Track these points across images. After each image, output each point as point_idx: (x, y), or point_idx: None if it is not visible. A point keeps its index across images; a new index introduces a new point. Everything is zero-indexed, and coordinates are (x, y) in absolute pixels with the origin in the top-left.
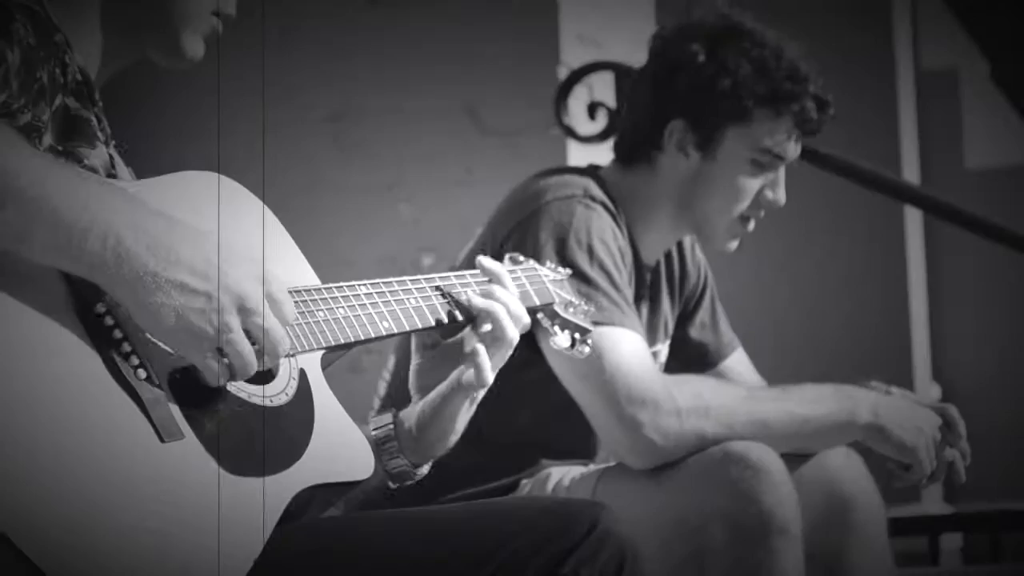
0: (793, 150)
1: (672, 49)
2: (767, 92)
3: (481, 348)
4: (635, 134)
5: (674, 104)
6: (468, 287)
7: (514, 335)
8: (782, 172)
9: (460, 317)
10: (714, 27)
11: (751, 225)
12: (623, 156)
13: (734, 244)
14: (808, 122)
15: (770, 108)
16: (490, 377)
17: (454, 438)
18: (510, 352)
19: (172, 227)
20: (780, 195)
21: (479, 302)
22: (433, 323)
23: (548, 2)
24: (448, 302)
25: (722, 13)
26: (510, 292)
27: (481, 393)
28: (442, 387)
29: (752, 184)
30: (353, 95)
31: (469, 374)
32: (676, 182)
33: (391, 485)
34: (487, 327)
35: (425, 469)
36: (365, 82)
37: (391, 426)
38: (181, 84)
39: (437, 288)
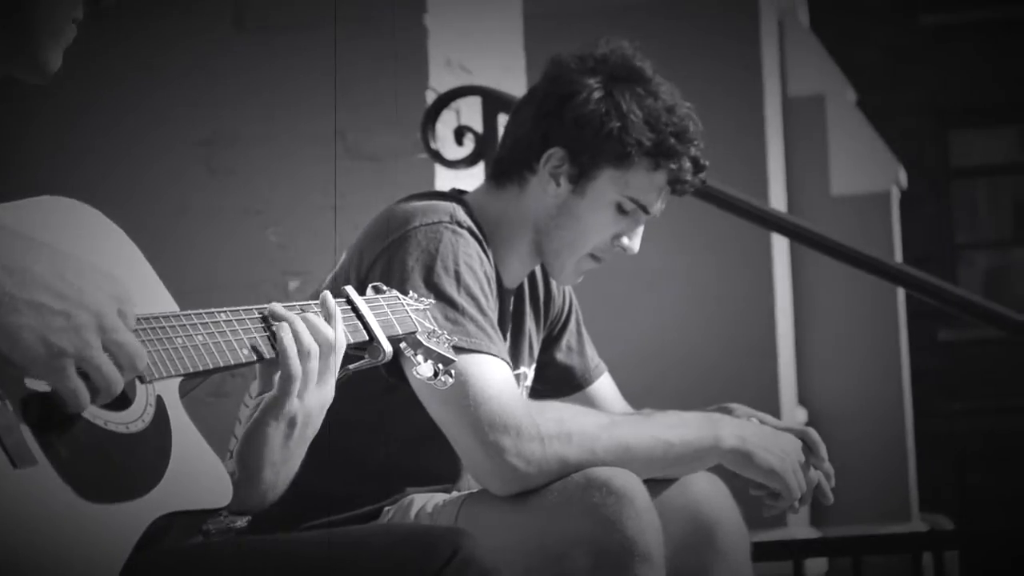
0: (659, 207)
1: (568, 77)
2: (651, 144)
3: (294, 355)
4: (514, 152)
5: (559, 132)
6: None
7: (296, 372)
8: (642, 224)
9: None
10: (615, 65)
11: (596, 265)
12: (498, 174)
13: (576, 280)
14: (681, 183)
15: (650, 160)
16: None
17: (276, 476)
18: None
19: (28, 247)
20: (635, 245)
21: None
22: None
23: (417, 28)
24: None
25: (625, 54)
26: (322, 331)
27: (300, 418)
28: (256, 414)
29: (610, 228)
30: (223, 120)
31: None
32: (540, 208)
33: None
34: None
35: (243, 521)
36: (234, 106)
37: None
38: (33, 104)
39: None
